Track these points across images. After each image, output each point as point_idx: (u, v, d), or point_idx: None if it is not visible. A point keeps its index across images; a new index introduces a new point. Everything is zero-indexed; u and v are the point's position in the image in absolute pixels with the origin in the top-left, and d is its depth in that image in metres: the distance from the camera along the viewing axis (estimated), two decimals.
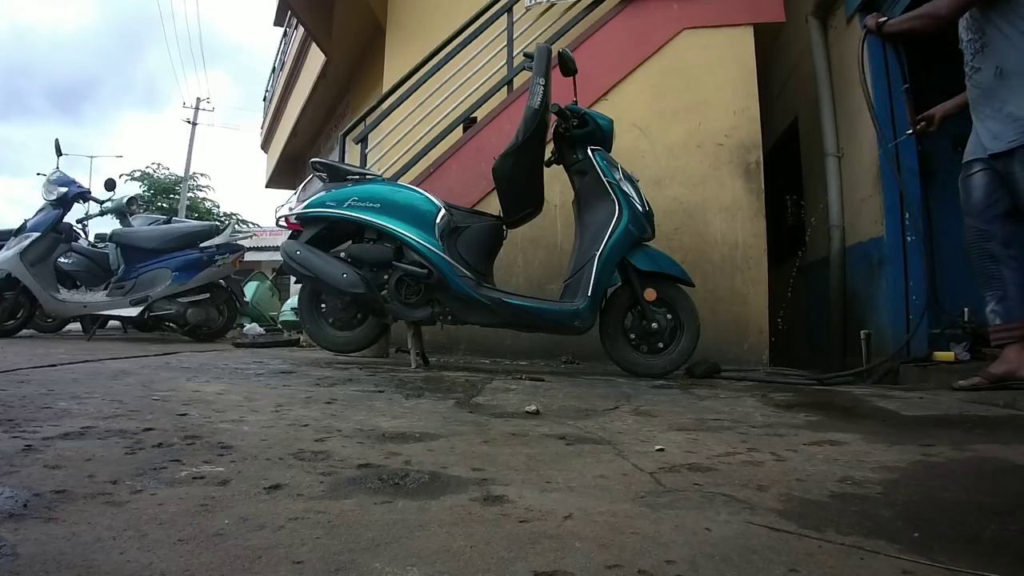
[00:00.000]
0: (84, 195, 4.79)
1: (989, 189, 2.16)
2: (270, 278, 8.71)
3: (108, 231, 4.93)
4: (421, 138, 4.10)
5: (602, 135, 2.81)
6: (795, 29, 4.25)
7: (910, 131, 2.72)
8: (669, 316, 2.73)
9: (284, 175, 13.79)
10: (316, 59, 8.73)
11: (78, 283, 5.02)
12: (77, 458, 0.95)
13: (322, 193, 2.87)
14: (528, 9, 4.34)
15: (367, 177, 3.01)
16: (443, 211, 2.73)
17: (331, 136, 10.08)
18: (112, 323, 5.80)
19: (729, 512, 0.79)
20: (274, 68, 14.25)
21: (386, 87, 4.40)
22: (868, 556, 0.65)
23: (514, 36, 4.08)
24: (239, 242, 4.96)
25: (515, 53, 3.97)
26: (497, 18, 4.08)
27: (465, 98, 4.11)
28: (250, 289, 7.36)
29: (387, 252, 2.74)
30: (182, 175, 20.76)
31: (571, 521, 0.74)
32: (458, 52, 4.07)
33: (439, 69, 4.09)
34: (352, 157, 4.34)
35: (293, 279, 5.34)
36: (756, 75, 3.74)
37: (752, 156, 3.64)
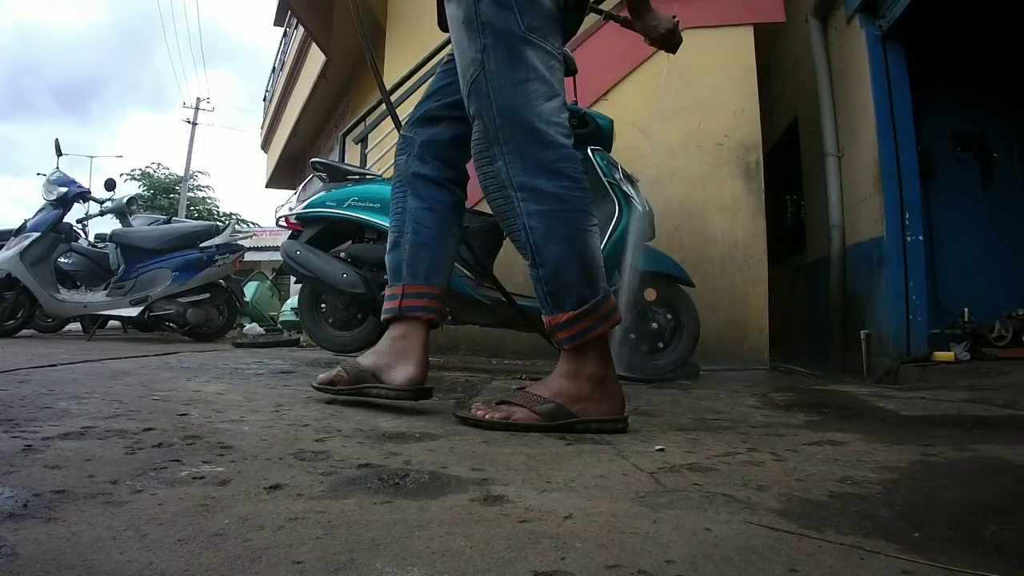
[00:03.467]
0: (84, 195, 4.80)
1: (439, 79, 1.63)
2: (270, 278, 8.72)
3: (108, 231, 4.94)
4: None
5: (602, 135, 2.81)
6: (795, 29, 4.25)
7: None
8: (669, 316, 2.73)
9: (284, 175, 13.81)
10: (316, 59, 8.74)
11: (78, 283, 5.03)
12: (77, 458, 0.94)
13: (322, 193, 2.88)
14: None
15: (367, 177, 3.02)
16: None
17: (331, 136, 10.08)
18: (112, 323, 5.80)
19: (729, 512, 0.79)
20: (274, 68, 14.28)
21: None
22: (868, 556, 0.65)
23: None
24: (239, 242, 4.97)
25: None
26: None
27: None
28: (250, 289, 7.38)
29: None
30: (182, 175, 20.80)
31: (571, 521, 0.74)
32: None
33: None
34: (352, 157, 4.34)
35: (293, 279, 5.33)
36: (756, 75, 3.74)
37: (752, 156, 3.64)
